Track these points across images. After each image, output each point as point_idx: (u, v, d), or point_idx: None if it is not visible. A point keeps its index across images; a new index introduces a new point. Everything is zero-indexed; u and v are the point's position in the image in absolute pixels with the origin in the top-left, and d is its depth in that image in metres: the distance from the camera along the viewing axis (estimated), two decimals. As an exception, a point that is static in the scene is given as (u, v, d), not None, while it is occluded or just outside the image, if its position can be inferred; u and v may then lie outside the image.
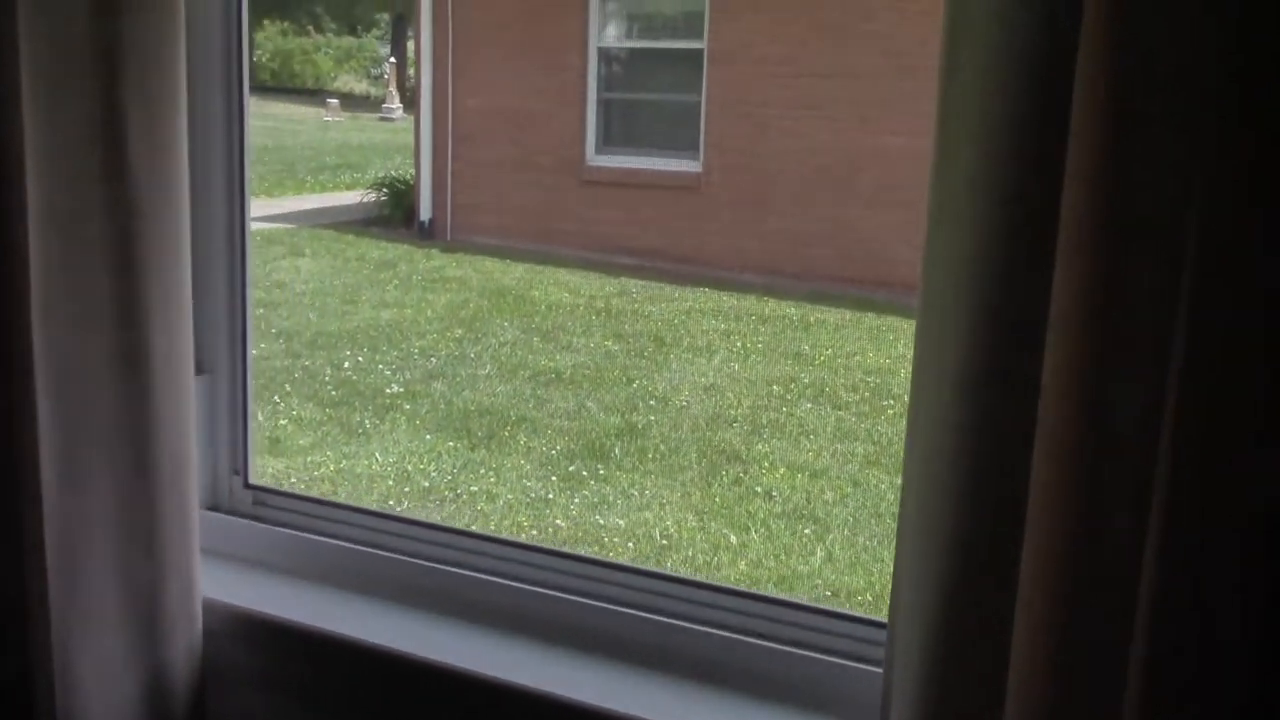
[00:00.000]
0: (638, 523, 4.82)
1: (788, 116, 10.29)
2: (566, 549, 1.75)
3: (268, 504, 1.54)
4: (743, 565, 4.43)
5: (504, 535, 1.75)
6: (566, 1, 11.34)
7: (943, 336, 0.96)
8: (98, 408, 1.17)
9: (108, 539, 1.22)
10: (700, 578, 1.48)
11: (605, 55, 11.43)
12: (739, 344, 8.05)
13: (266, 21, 43.22)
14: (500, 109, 11.69)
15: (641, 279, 10.12)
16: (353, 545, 1.52)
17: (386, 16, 41.25)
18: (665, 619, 1.37)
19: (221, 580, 1.45)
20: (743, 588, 1.42)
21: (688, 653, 1.33)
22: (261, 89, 37.46)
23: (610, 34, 11.53)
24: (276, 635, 1.42)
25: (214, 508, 1.55)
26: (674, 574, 1.46)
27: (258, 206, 13.74)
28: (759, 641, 1.30)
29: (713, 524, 4.84)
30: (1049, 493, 0.93)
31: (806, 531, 4.79)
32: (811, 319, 8.95)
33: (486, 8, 11.68)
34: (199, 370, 1.51)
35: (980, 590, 1.00)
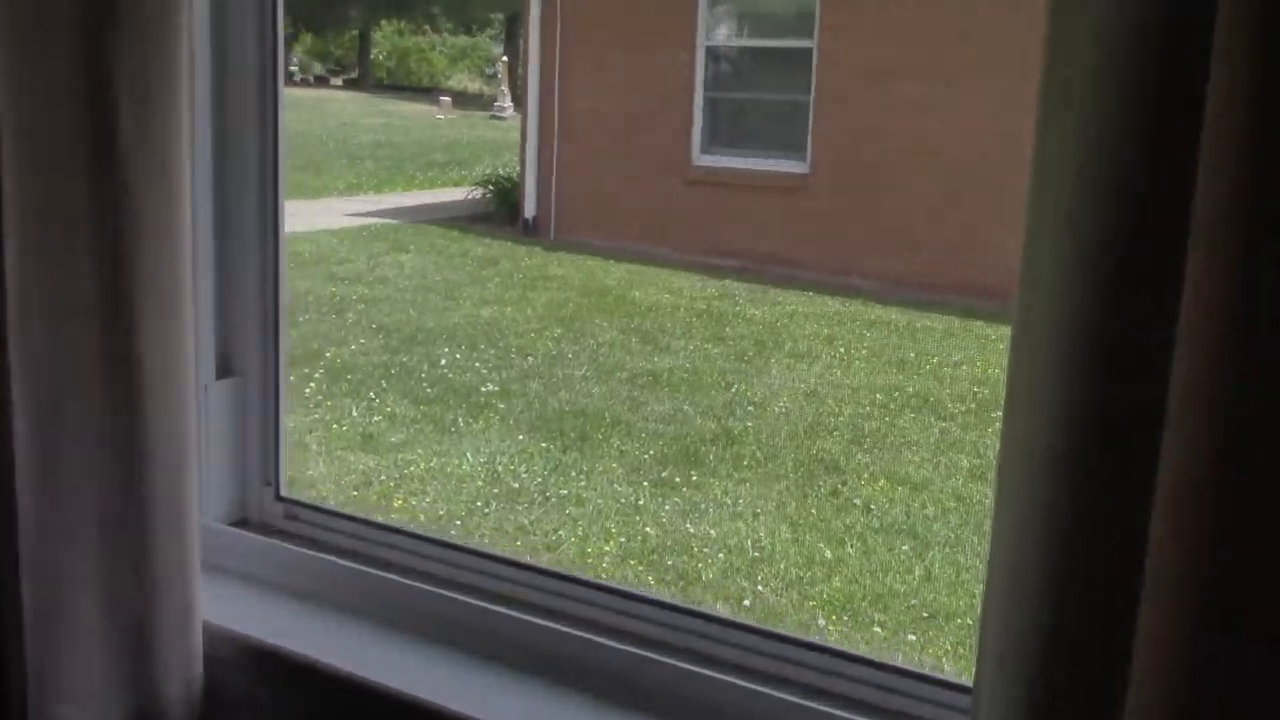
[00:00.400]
0: (729, 532, 4.67)
1: (899, 118, 10.03)
2: (634, 589, 1.50)
3: (301, 518, 1.43)
4: (837, 581, 4.25)
5: (567, 570, 1.48)
6: (675, 3, 11.22)
7: (1039, 356, 0.80)
8: (81, 415, 1.06)
9: (91, 558, 1.12)
10: (766, 625, 1.30)
11: (713, 54, 11.28)
12: (842, 350, 7.85)
13: (384, 21, 43.95)
14: (607, 108, 11.62)
15: (744, 281, 9.96)
16: (388, 575, 1.34)
17: (502, 16, 41.60)
18: (724, 677, 1.18)
19: (236, 604, 1.32)
20: (808, 638, 1.24)
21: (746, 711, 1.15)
22: (378, 87, 38.07)
23: (719, 33, 11.38)
24: (289, 671, 1.26)
25: (242, 522, 1.45)
26: (740, 620, 1.27)
27: (366, 202, 13.89)
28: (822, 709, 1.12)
29: (807, 536, 4.67)
30: (1176, 542, 0.78)
31: (905, 548, 4.60)
32: (918, 325, 8.69)
33: (595, 6, 11.62)
34: (227, 372, 1.41)
35: (1081, 651, 0.84)
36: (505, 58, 31.66)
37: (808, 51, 10.56)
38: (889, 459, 5.69)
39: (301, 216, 12.57)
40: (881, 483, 5.32)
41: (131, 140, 1.06)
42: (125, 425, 1.08)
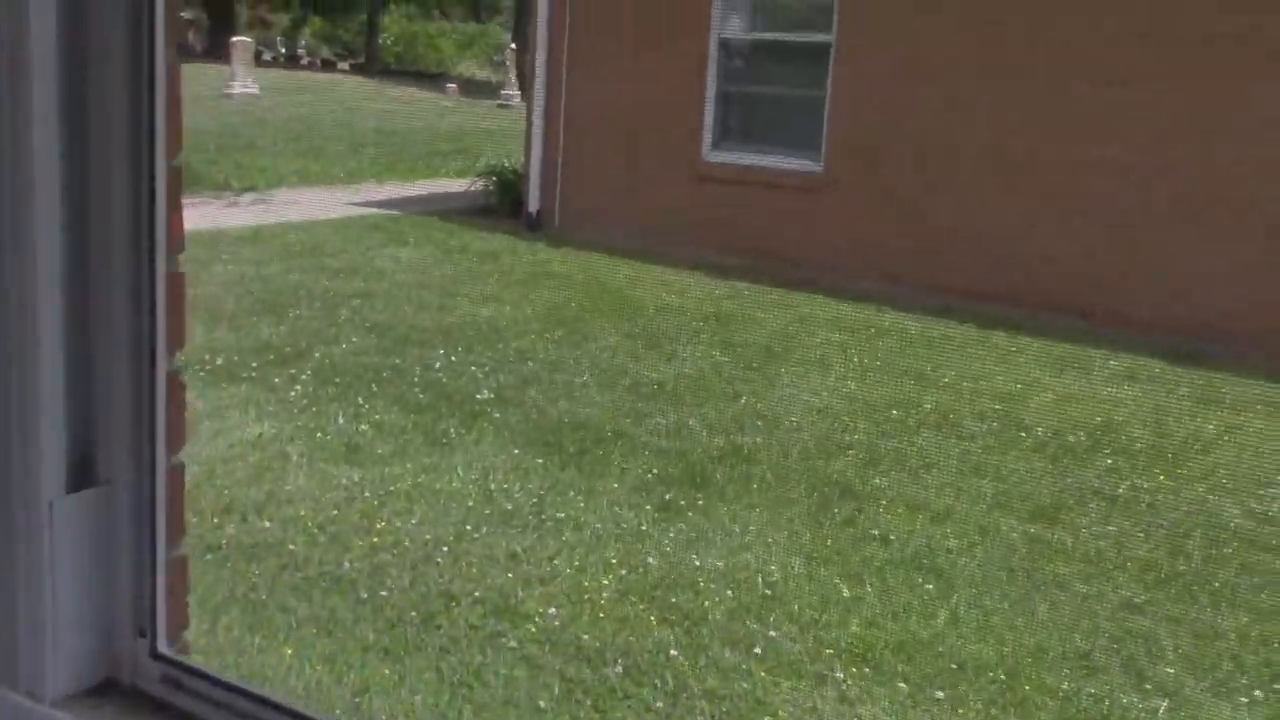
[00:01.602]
0: (738, 565, 4.32)
1: (917, 117, 9.66)
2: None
3: (183, 685, 1.07)
4: (855, 625, 3.90)
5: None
6: (689, -11, 10.85)
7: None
8: None
9: None
10: None
11: (726, 47, 10.91)
12: (855, 359, 7.50)
13: (393, 6, 43.52)
14: (615, 99, 11.25)
15: (754, 282, 9.60)
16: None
17: (511, 2, 41.17)
18: None
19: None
20: None
21: None
22: (386, 73, 37.65)
23: (733, 25, 11.00)
24: None
25: (109, 683, 1.09)
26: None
27: (364, 192, 13.53)
28: None
29: (822, 571, 4.32)
30: None
31: (928, 586, 4.25)
32: (935, 334, 8.35)
33: (605, -6, 11.25)
34: (90, 481, 1.06)
35: None
36: (514, 45, 31.26)
37: (825, 46, 10.18)
38: (907, 483, 5.34)
39: (299, 205, 12.22)
40: (900, 510, 4.97)
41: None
42: None
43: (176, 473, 1.17)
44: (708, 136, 10.88)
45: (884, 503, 5.04)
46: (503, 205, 12.41)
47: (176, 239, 1.09)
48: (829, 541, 4.62)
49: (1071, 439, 6.08)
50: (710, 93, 10.87)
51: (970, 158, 9.45)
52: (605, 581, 4.11)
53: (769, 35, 10.99)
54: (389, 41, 43.53)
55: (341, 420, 5.65)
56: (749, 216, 10.50)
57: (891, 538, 4.68)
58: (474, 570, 4.12)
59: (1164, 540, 4.84)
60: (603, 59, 11.28)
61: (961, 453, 5.81)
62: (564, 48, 11.41)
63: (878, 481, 5.31)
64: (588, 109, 11.44)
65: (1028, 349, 7.81)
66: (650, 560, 4.32)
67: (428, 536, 4.38)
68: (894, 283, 9.43)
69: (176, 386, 1.14)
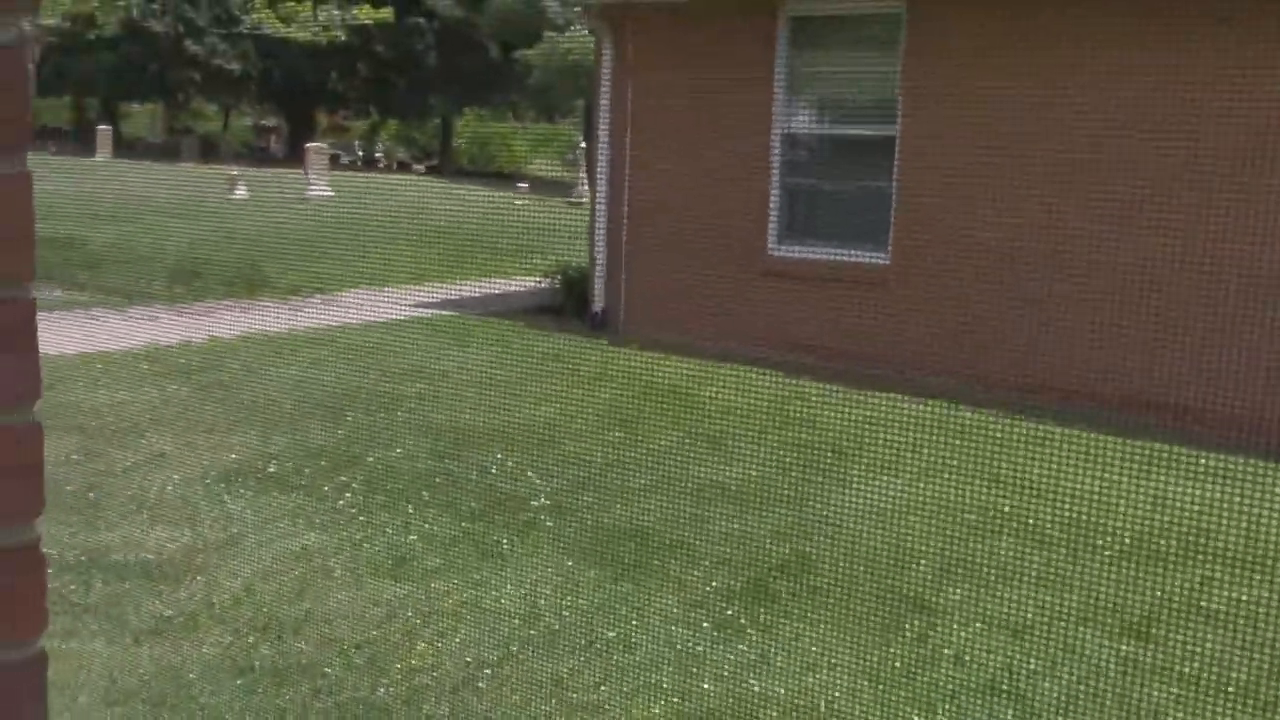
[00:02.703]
0: (801, 690, 4.02)
1: (985, 209, 9.41)
2: None
3: None
4: (927, 760, 3.59)
5: None
6: (752, 86, 10.75)
7: None
8: None
9: None
10: None
11: (790, 140, 10.78)
12: (927, 460, 7.18)
13: (467, 109, 44.42)
14: (679, 196, 11.15)
15: (822, 380, 9.33)
16: None
17: (582, 102, 41.78)
18: None
19: None
20: None
21: None
22: (459, 173, 38.32)
23: (796, 119, 10.88)
24: None
25: None
26: None
27: (430, 292, 13.53)
28: None
29: (892, 697, 4.01)
30: None
31: (1007, 714, 3.92)
32: (1011, 433, 8.00)
33: (667, 92, 11.20)
34: None
35: None
36: (584, 144, 31.60)
37: (890, 140, 10.01)
38: (983, 595, 5.01)
39: (365, 307, 12.23)
40: (976, 626, 4.64)
41: None
42: None
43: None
44: (773, 231, 10.71)
45: (958, 618, 4.72)
46: (568, 304, 12.30)
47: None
48: (898, 662, 4.30)
49: (1162, 544, 5.71)
50: (775, 187, 10.72)
51: (1042, 251, 9.16)
52: (655, 711, 3.84)
53: (832, 129, 10.85)
54: (463, 143, 44.38)
55: (390, 530, 5.47)
56: (815, 311, 10.27)
57: (967, 657, 4.35)
58: (515, 697, 3.87)
59: (1269, 661, 4.45)
60: (665, 155, 11.21)
61: (1042, 561, 5.46)
62: (626, 145, 11.37)
63: (952, 593, 4.99)
64: (652, 206, 11.35)
65: (1111, 447, 7.42)
66: (705, 686, 4.04)
67: (469, 659, 4.15)
68: (967, 378, 9.11)
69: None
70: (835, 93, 10.94)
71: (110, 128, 34.39)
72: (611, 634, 4.40)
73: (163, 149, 38.10)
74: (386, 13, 39.31)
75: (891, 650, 4.39)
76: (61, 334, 9.40)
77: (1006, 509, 6.21)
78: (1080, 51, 8.99)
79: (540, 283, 13.00)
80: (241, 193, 22.50)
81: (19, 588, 1.03)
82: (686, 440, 7.34)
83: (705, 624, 4.53)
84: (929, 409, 8.47)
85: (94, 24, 36.94)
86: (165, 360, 8.99)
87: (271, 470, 6.26)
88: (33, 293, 1.01)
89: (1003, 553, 5.56)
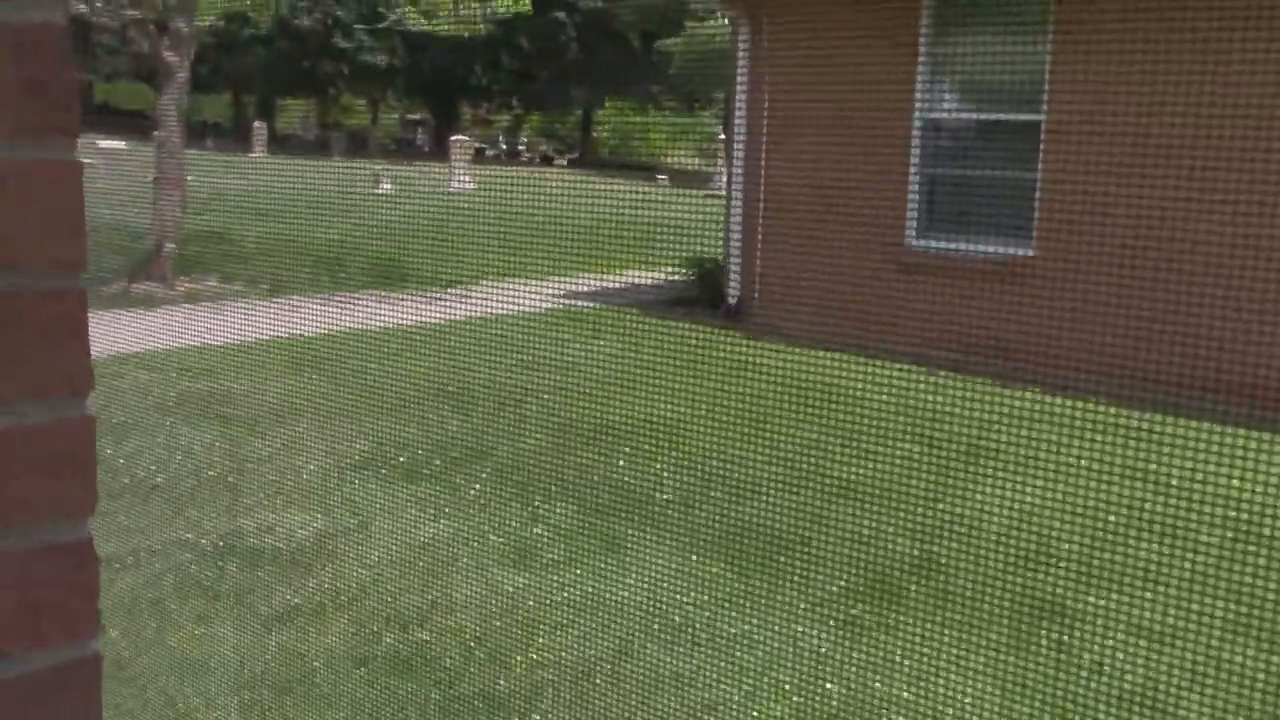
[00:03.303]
0: (927, 695, 3.89)
1: (1138, 198, 9.03)
2: None
3: None
4: (1059, 774, 3.43)
5: None
6: (891, 73, 10.52)
7: None
8: None
9: None
10: None
11: (931, 127, 10.52)
12: (1069, 458, 6.92)
13: (608, 101, 44.70)
14: (815, 187, 10.97)
15: (962, 375, 9.08)
16: None
17: (723, 94, 41.63)
18: None
19: None
20: None
21: None
22: (600, 164, 38.55)
23: (938, 105, 10.61)
24: None
25: None
26: None
27: (565, 284, 13.61)
28: None
29: (1025, 707, 3.85)
30: None
31: (1147, 728, 3.73)
32: (1160, 431, 7.66)
33: (804, 80, 11.03)
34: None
35: None
36: (723, 135, 31.48)
37: (1035, 125, 9.68)
38: (1126, 601, 4.79)
39: (500, 299, 12.35)
40: (1118, 634, 4.44)
41: None
42: None
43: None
44: (912, 222, 10.47)
45: (1098, 624, 4.52)
46: (703, 296, 12.24)
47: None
48: (1033, 668, 4.13)
49: (1321, 552, 5.38)
50: (914, 175, 10.47)
51: (1199, 241, 8.75)
52: (776, 710, 3.75)
53: (975, 115, 10.55)
54: (603, 135, 44.66)
55: (516, 522, 5.48)
56: (956, 305, 10.00)
57: (1106, 666, 4.16)
58: (634, 693, 3.83)
59: None
60: (802, 145, 11.05)
61: (1190, 566, 5.20)
62: (762, 134, 11.24)
63: (1091, 599, 4.78)
64: (787, 198, 11.20)
65: (1267, 447, 7.05)
66: (828, 686, 3.93)
67: (590, 652, 4.12)
68: (1114, 374, 8.76)
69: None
70: (979, 76, 10.63)
71: (264, 123, 35.51)
72: (734, 630, 4.33)
73: (314, 143, 39.21)
74: (525, 6, 39.75)
75: (1026, 656, 4.23)
76: (214, 325, 9.71)
77: (1152, 511, 5.93)
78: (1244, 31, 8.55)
79: (675, 275, 12.97)
80: (386, 187, 22.98)
81: (73, 586, 1.01)
82: (819, 436, 7.21)
83: (831, 623, 4.43)
84: (1074, 405, 8.16)
85: (249, 22, 38.24)
86: (306, 350, 9.20)
87: (403, 460, 6.34)
88: (83, 282, 0.99)
89: (1147, 556, 5.31)
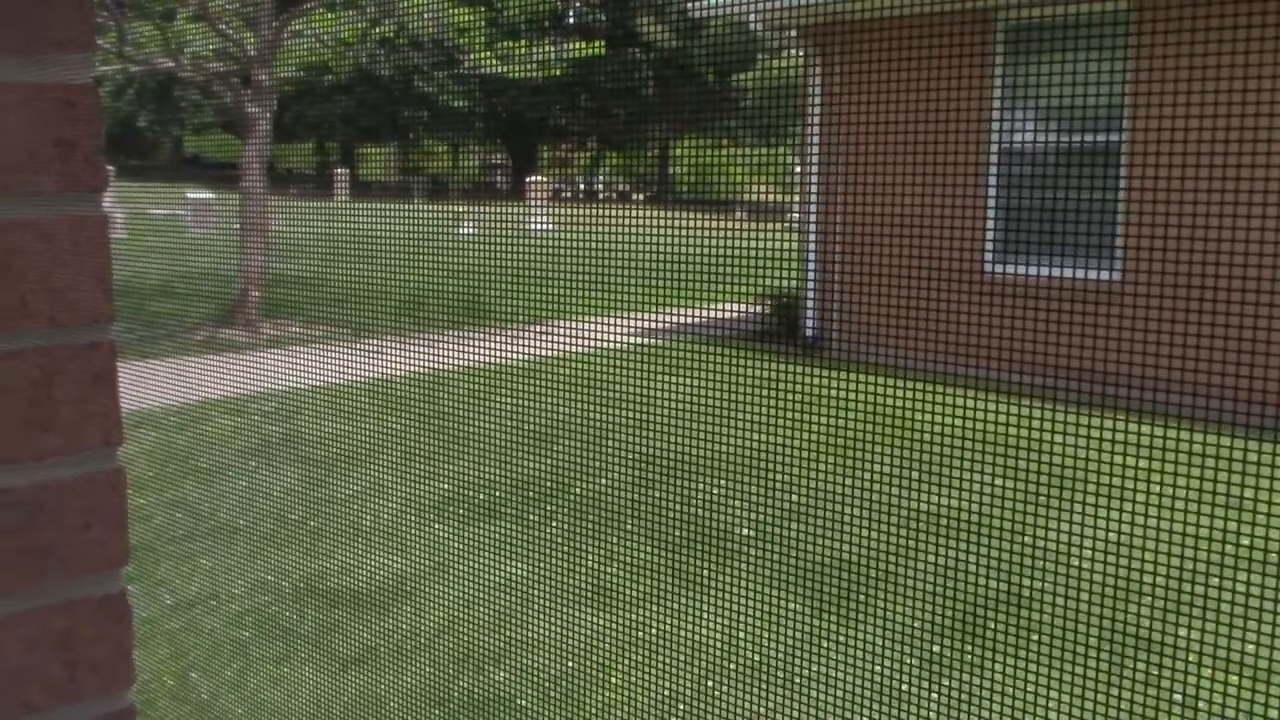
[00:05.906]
0: (1011, 733, 3.79)
1: (1225, 218, 8.81)
2: None
3: None
4: (1151, 815, 3.32)
5: None
6: (967, 97, 10.42)
7: None
8: None
9: None
10: None
11: (1007, 153, 10.39)
12: (1160, 487, 6.73)
13: (684, 137, 44.96)
14: (891, 214, 10.87)
15: (1048, 402, 8.91)
16: None
17: (797, 126, 41.59)
18: None
19: None
20: None
21: None
22: (678, 201, 38.73)
23: (1014, 131, 10.48)
24: None
25: None
26: None
27: (647, 319, 13.63)
28: None
29: (1112, 744, 3.73)
30: None
31: (1244, 767, 3.59)
32: (1256, 457, 7.44)
33: (878, 110, 10.97)
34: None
35: None
36: (799, 167, 31.40)
37: (1116, 146, 9.52)
38: (1220, 635, 4.63)
39: (580, 335, 12.40)
40: (1210, 668, 4.29)
41: None
42: None
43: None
44: (990, 247, 10.33)
45: (1190, 658, 4.38)
46: (781, 328, 12.19)
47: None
48: (1123, 706, 4.01)
49: None
50: (992, 200, 10.34)
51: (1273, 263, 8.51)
52: (855, 751, 3.68)
53: (1053, 138, 10.40)
54: (679, 170, 44.82)
55: (593, 560, 5.47)
56: (1040, 330, 9.82)
57: (1200, 704, 4.02)
58: (710, 733, 3.79)
59: None
60: (877, 174, 10.97)
61: (1288, 597, 5.02)
62: (837, 166, 11.19)
63: (1183, 632, 4.63)
64: (863, 227, 11.12)
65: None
66: (909, 725, 3.86)
67: (665, 691, 4.09)
68: (1206, 398, 8.53)
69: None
70: (1055, 100, 10.48)
71: (347, 170, 36.18)
72: (811, 670, 4.26)
73: (396, 188, 39.86)
74: (599, 48, 40.11)
75: (1114, 693, 4.10)
76: (299, 368, 9.87)
77: (1247, 541, 5.75)
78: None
79: (753, 308, 12.94)
80: (468, 229, 23.29)
81: (109, 639, 1.01)
82: (901, 467, 7.12)
83: (911, 661, 4.34)
84: (1166, 431, 7.96)
85: (329, 70, 39.08)
86: (387, 392, 9.31)
87: (481, 499, 6.37)
88: (112, 334, 1.00)
89: (1242, 589, 5.14)
